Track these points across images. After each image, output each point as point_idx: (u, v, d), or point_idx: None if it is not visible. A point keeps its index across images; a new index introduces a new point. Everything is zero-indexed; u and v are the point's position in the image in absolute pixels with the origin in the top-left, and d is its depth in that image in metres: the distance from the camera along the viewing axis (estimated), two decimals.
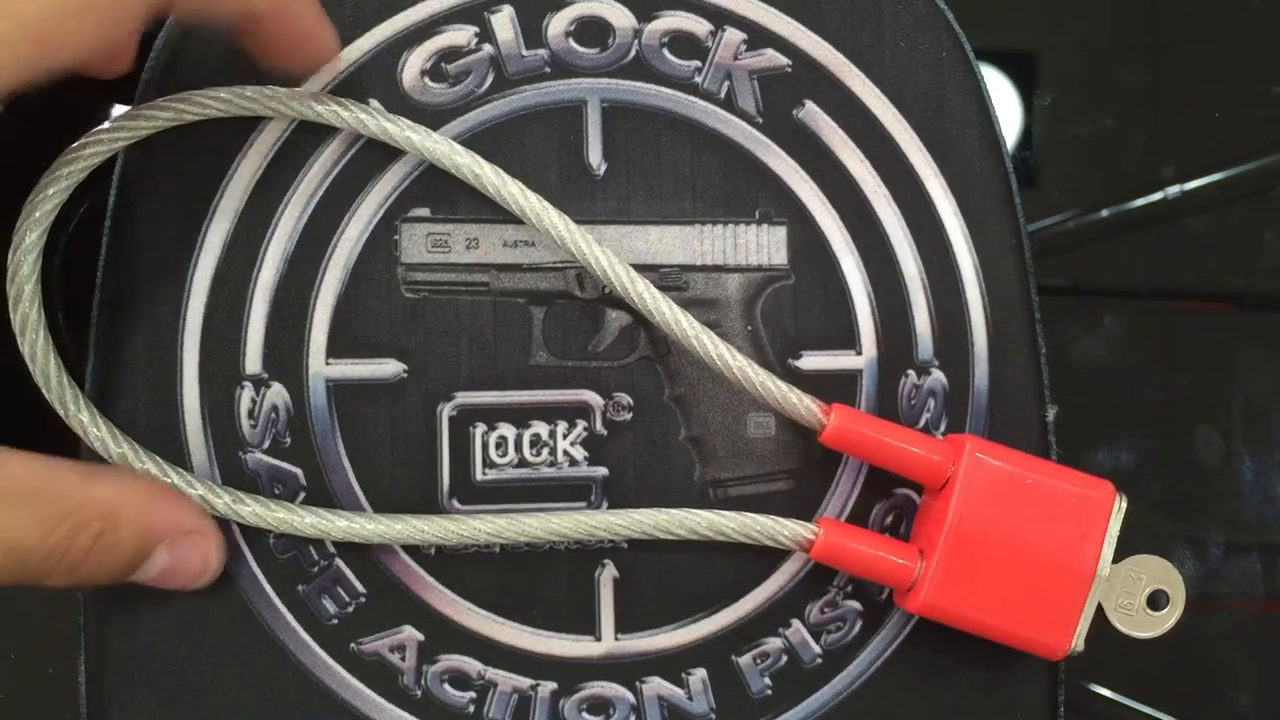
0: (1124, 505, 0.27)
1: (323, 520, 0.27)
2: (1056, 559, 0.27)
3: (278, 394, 0.28)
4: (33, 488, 0.23)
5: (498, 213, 0.29)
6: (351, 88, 0.29)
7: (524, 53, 0.29)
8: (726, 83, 0.30)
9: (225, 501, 0.27)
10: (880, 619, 0.29)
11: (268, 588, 0.28)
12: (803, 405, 0.28)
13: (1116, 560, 0.27)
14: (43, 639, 0.29)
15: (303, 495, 0.28)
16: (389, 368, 0.29)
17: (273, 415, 0.28)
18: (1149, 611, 0.28)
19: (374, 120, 0.27)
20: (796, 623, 0.29)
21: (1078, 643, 0.27)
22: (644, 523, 0.28)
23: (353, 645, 0.28)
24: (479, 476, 0.29)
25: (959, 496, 0.27)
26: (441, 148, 0.27)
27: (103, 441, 0.27)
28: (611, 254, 0.28)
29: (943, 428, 0.30)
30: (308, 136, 0.28)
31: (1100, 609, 0.27)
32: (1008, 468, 0.27)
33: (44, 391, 0.27)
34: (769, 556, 0.29)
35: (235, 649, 0.28)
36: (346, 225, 0.29)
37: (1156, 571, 0.28)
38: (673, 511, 0.28)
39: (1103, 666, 0.31)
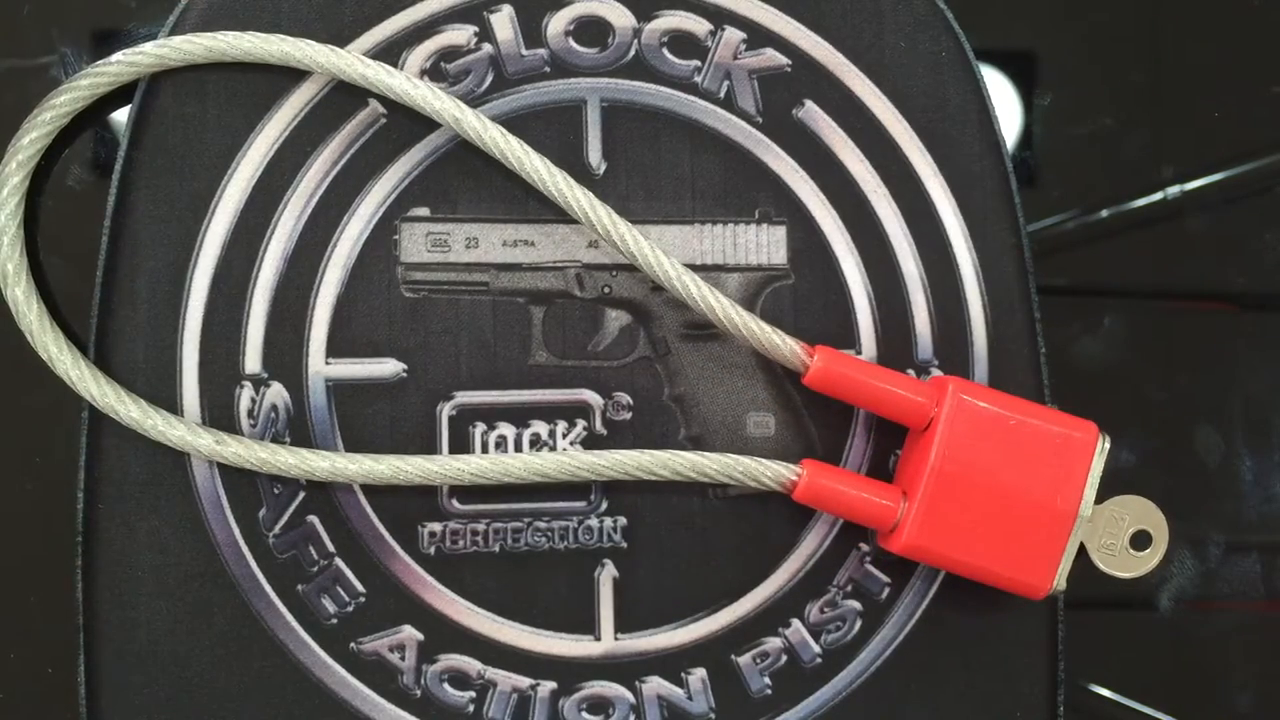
0: (1107, 445, 0.27)
1: (304, 461, 0.27)
2: (1039, 499, 0.27)
3: (277, 393, 0.28)
4: None
5: (498, 212, 0.29)
6: (352, 86, 0.29)
7: (524, 52, 0.29)
8: (726, 82, 0.30)
9: (208, 443, 0.27)
10: (880, 619, 0.29)
11: (268, 588, 0.28)
12: (786, 347, 0.28)
13: (1100, 501, 0.27)
14: (43, 639, 0.29)
15: (302, 495, 0.28)
16: (389, 367, 0.29)
17: (272, 414, 0.28)
18: (1132, 552, 0.28)
19: (400, 83, 0.27)
20: (796, 622, 0.29)
21: (1059, 582, 0.27)
22: (626, 463, 0.28)
23: (352, 645, 0.28)
24: None
25: (941, 437, 0.27)
26: (467, 117, 0.27)
27: (85, 385, 0.27)
28: (593, 197, 0.28)
29: None
30: (308, 135, 0.28)
31: (1083, 549, 0.27)
32: (991, 408, 0.27)
33: (29, 340, 0.27)
34: (769, 556, 0.29)
35: (235, 649, 0.28)
36: (346, 225, 0.29)
37: (1140, 512, 0.28)
38: (656, 453, 0.28)
39: (1103, 666, 0.31)
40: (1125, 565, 0.28)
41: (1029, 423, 0.27)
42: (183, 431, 0.27)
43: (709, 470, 0.28)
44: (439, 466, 0.27)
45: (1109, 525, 0.28)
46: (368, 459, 0.27)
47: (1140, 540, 0.28)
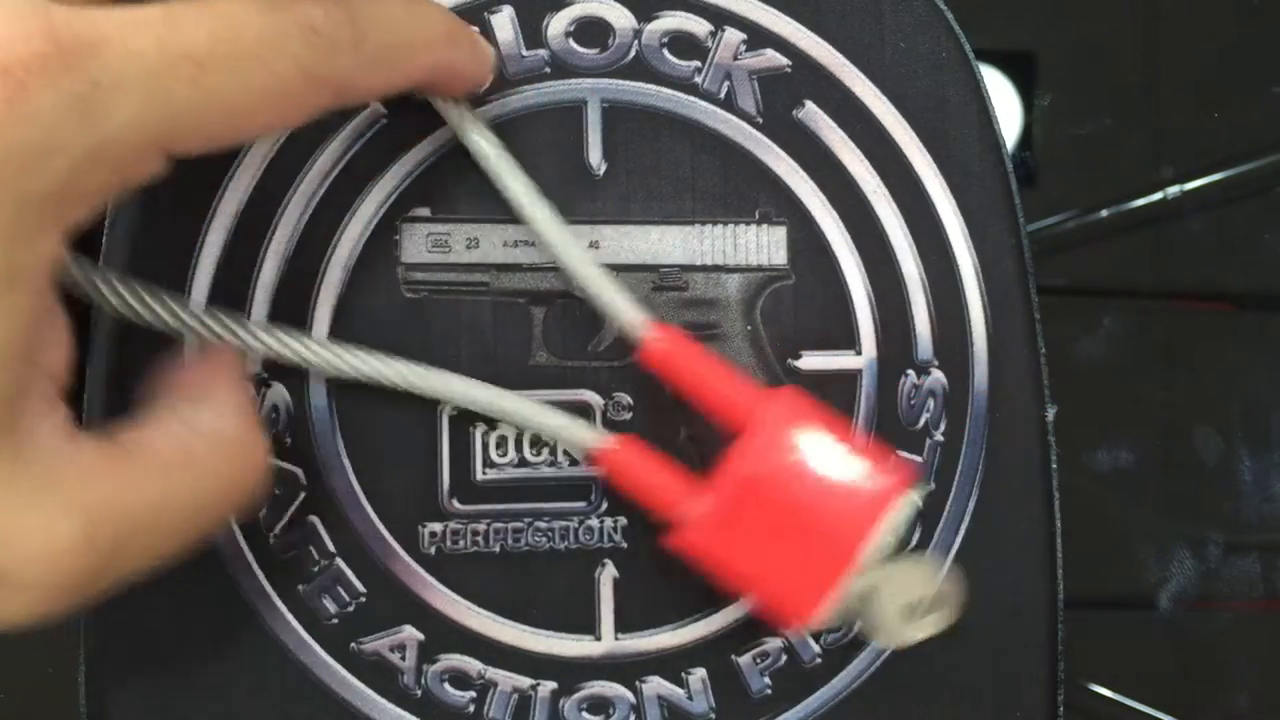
0: (917, 500, 0.27)
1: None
2: (828, 533, 0.26)
3: (278, 394, 0.28)
4: None
5: (498, 212, 0.29)
6: None
7: (524, 53, 0.29)
8: (726, 83, 0.30)
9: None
10: None
11: (268, 588, 0.28)
12: (631, 312, 0.27)
13: (895, 557, 0.27)
14: (43, 639, 0.29)
15: (303, 495, 0.28)
16: None
17: (273, 415, 0.28)
18: (908, 618, 0.27)
19: None
20: None
21: (822, 619, 0.26)
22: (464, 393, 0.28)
23: (353, 645, 0.28)
24: (479, 476, 0.29)
25: (747, 443, 0.26)
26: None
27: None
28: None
29: (943, 427, 0.30)
30: (308, 135, 0.28)
31: (863, 601, 0.27)
32: (810, 428, 0.26)
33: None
34: None
35: (235, 649, 0.28)
36: (346, 225, 0.29)
37: (924, 579, 0.27)
38: (492, 389, 0.28)
39: (1103, 666, 0.31)
40: (901, 627, 0.27)
41: (842, 453, 0.26)
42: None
43: (518, 417, 0.27)
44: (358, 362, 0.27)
45: (896, 584, 0.27)
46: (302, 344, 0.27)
47: (918, 607, 0.27)
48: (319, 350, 0.27)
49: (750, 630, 0.29)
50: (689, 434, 0.29)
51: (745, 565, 0.26)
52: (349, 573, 0.28)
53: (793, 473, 0.26)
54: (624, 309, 0.27)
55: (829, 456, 0.26)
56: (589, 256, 0.28)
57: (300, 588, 0.28)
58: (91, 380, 0.28)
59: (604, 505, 0.29)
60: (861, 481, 0.26)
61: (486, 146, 0.27)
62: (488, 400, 0.28)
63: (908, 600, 0.26)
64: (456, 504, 0.29)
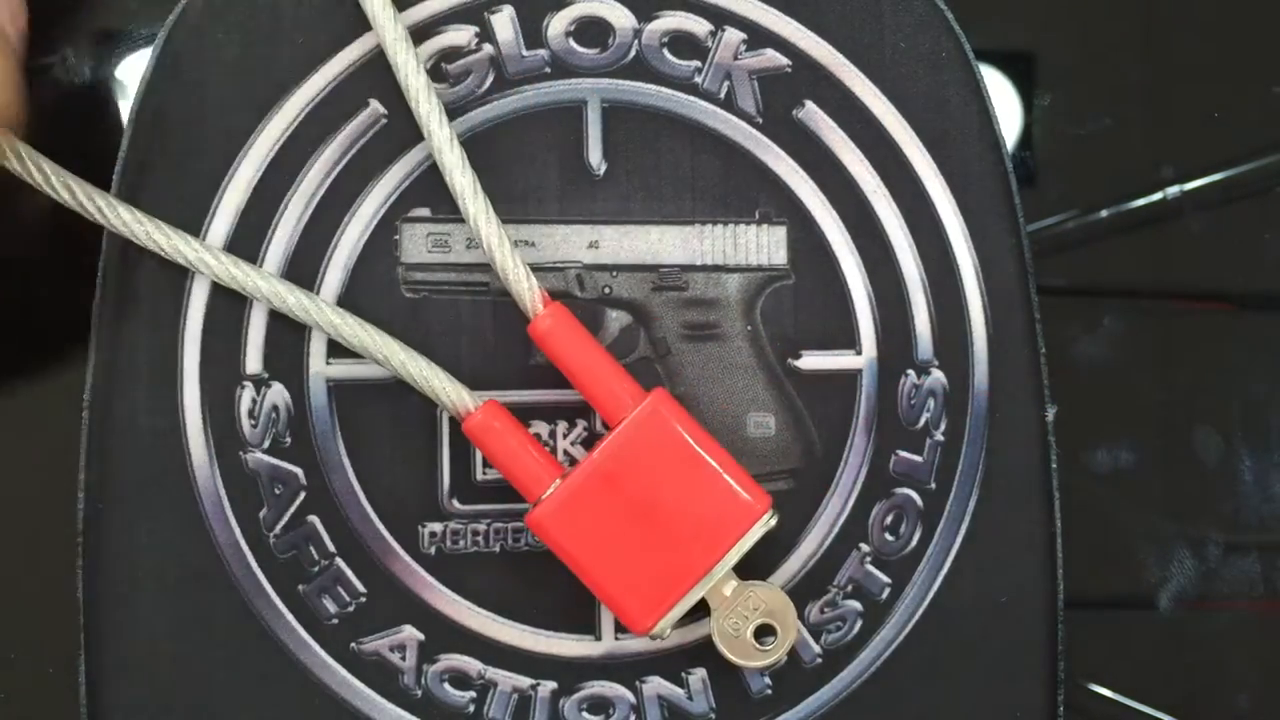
0: (772, 523, 0.27)
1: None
2: (680, 542, 0.26)
3: (278, 394, 0.28)
4: None
5: (498, 213, 0.29)
6: (352, 87, 0.29)
7: (524, 53, 0.29)
8: (726, 83, 0.30)
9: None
10: (880, 619, 0.29)
11: (268, 588, 0.28)
12: (527, 286, 0.27)
13: (747, 579, 0.27)
14: (43, 639, 0.29)
15: (303, 495, 0.28)
16: None
17: (273, 415, 0.28)
18: (754, 642, 0.27)
19: None
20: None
21: (663, 628, 0.26)
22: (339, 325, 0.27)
23: (353, 645, 0.28)
24: (479, 476, 0.29)
25: (617, 436, 0.26)
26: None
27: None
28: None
29: (943, 427, 0.30)
30: (309, 135, 0.28)
31: (711, 618, 0.27)
32: (680, 434, 0.26)
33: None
34: (769, 556, 0.29)
35: (235, 649, 0.28)
36: (346, 225, 0.29)
37: (777, 606, 0.27)
38: (374, 332, 0.28)
39: (1103, 666, 0.31)
40: (743, 652, 0.27)
41: (708, 466, 0.26)
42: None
43: (395, 363, 0.27)
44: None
45: (742, 606, 0.27)
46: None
47: (765, 631, 0.27)
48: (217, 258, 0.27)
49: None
50: None
51: (592, 560, 0.26)
52: (349, 573, 0.28)
53: (656, 476, 0.26)
54: (522, 279, 0.27)
55: (693, 467, 0.26)
56: (492, 230, 0.28)
57: (300, 588, 0.28)
58: (95, 358, 0.28)
59: None
60: (721, 496, 0.26)
61: None
62: (362, 341, 0.27)
63: (752, 623, 0.27)
64: (456, 504, 0.29)
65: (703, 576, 0.26)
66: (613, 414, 0.27)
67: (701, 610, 0.29)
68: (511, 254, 0.27)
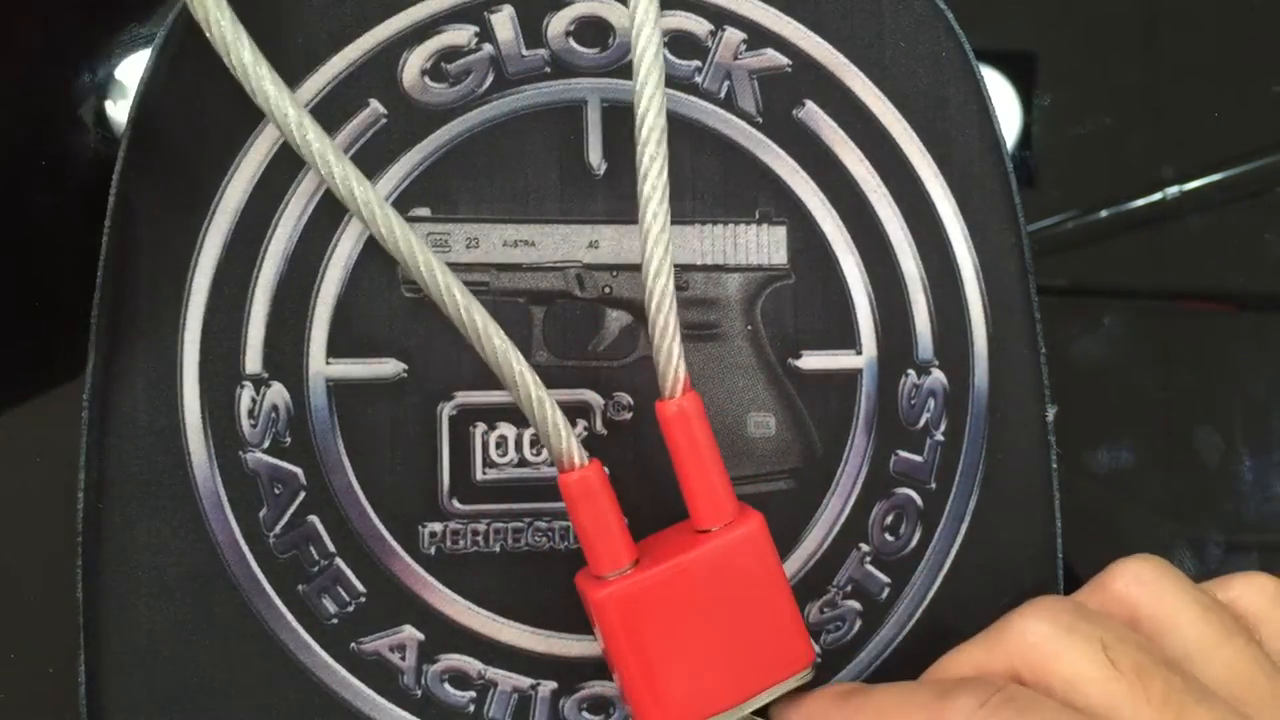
0: (809, 677, 0.27)
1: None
2: (724, 666, 0.26)
3: (278, 393, 0.28)
4: None
5: (498, 212, 0.29)
6: (352, 87, 0.29)
7: (524, 52, 0.29)
8: (726, 83, 0.30)
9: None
10: (880, 619, 0.29)
11: (268, 588, 0.28)
12: (674, 366, 0.27)
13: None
14: (43, 639, 0.29)
15: (303, 495, 0.28)
16: (389, 367, 0.29)
17: (273, 415, 0.28)
18: None
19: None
20: None
21: None
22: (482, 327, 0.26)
23: (353, 645, 0.28)
24: (479, 476, 0.29)
25: (710, 547, 0.26)
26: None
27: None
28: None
29: (943, 427, 0.30)
30: None
31: None
32: (772, 563, 0.26)
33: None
34: None
35: (235, 649, 0.28)
36: (347, 225, 0.29)
37: None
38: (520, 366, 0.26)
39: None
40: None
41: (783, 602, 0.26)
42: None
43: (537, 399, 0.26)
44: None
45: None
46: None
47: None
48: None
49: None
50: None
51: (638, 657, 0.26)
52: (349, 573, 0.28)
53: (728, 596, 0.26)
54: (668, 358, 0.27)
55: (769, 601, 0.26)
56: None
57: (300, 588, 0.28)
58: (94, 362, 0.28)
59: None
60: (774, 638, 0.26)
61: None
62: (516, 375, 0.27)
63: None
64: (456, 504, 0.29)
65: (731, 707, 0.26)
66: (704, 515, 0.27)
67: None
68: (674, 331, 0.26)
